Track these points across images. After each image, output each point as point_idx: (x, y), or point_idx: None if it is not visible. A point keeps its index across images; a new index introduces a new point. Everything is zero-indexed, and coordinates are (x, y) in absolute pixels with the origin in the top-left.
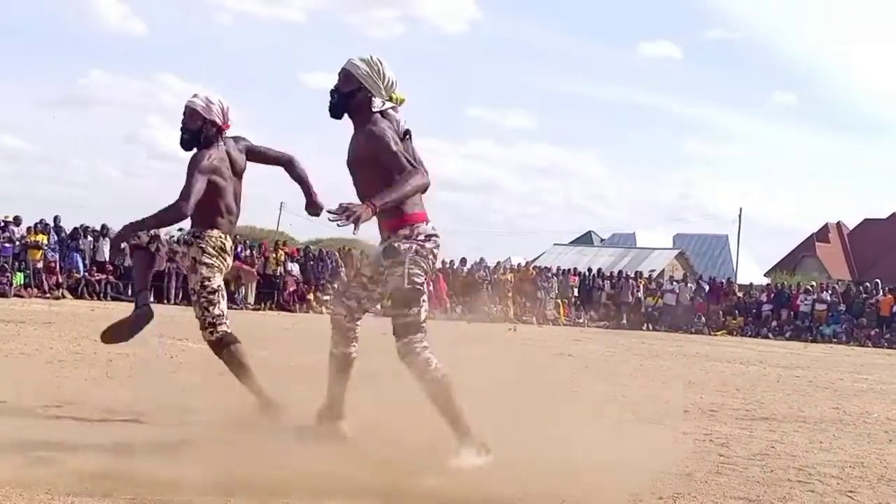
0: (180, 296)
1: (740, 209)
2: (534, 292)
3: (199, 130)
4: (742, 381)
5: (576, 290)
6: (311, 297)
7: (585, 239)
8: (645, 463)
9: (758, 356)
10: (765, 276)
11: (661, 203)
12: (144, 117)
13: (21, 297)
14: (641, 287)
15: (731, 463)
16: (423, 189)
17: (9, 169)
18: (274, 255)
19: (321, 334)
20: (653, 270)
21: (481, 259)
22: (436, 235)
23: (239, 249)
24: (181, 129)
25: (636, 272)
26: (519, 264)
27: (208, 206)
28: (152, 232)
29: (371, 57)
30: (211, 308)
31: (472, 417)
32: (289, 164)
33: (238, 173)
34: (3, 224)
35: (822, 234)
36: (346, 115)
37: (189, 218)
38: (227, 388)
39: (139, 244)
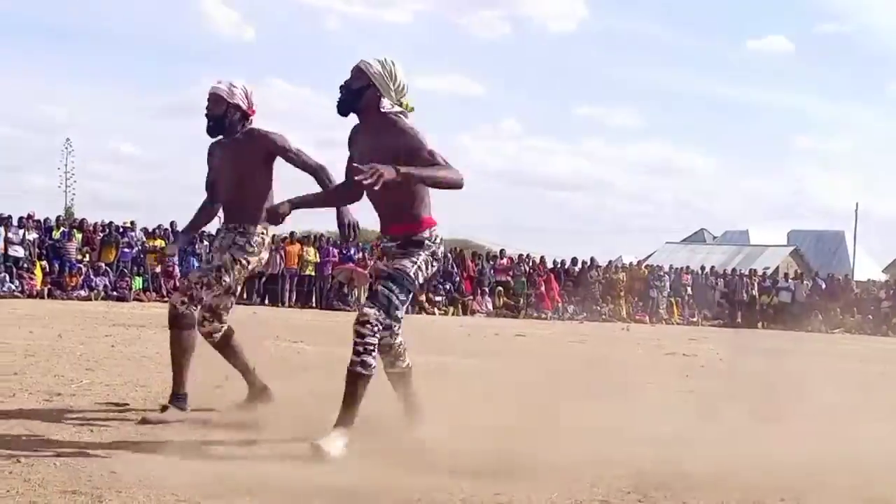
0: (293, 298)
1: (856, 204)
2: (646, 291)
3: (223, 115)
4: (863, 379)
5: (689, 289)
6: (423, 298)
7: (697, 237)
8: (764, 462)
9: (878, 354)
10: (883, 272)
11: (774, 199)
12: (254, 122)
13: (140, 300)
14: (756, 285)
15: (857, 463)
16: (457, 186)
17: (126, 175)
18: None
19: (434, 335)
20: (767, 268)
21: (592, 258)
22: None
23: (352, 252)
24: (206, 115)
25: (750, 270)
26: (631, 263)
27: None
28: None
29: (385, 58)
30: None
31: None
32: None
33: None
34: (122, 229)
35: None
36: (351, 113)
37: (234, 209)
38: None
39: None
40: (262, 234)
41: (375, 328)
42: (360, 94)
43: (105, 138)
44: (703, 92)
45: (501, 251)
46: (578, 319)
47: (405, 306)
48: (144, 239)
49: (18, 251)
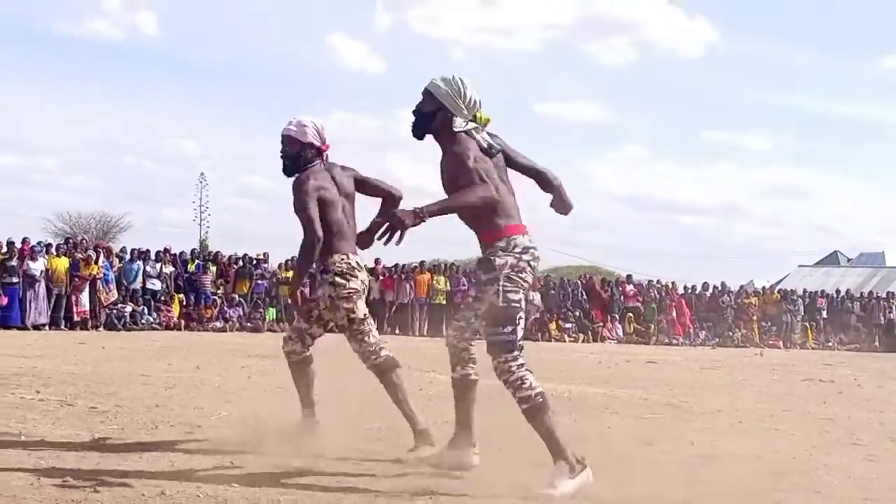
0: (425, 327)
1: None
2: (779, 316)
3: (297, 155)
4: None
5: (824, 313)
6: (552, 325)
7: (831, 259)
8: None
9: None
10: None
11: None
12: (383, 154)
13: (273, 331)
14: (893, 308)
15: None
16: (484, 202)
17: (260, 208)
18: None
19: (559, 362)
20: None
21: (723, 283)
22: (534, 248)
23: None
24: (281, 157)
25: (888, 292)
26: (763, 287)
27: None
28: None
29: (452, 77)
30: (367, 338)
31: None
32: (393, 199)
33: (346, 195)
34: (255, 261)
35: None
36: (428, 136)
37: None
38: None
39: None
40: (343, 259)
41: (513, 366)
42: (432, 117)
43: (238, 172)
44: (835, 111)
45: (629, 276)
46: (710, 345)
47: (517, 328)
48: (277, 270)
49: (156, 284)
